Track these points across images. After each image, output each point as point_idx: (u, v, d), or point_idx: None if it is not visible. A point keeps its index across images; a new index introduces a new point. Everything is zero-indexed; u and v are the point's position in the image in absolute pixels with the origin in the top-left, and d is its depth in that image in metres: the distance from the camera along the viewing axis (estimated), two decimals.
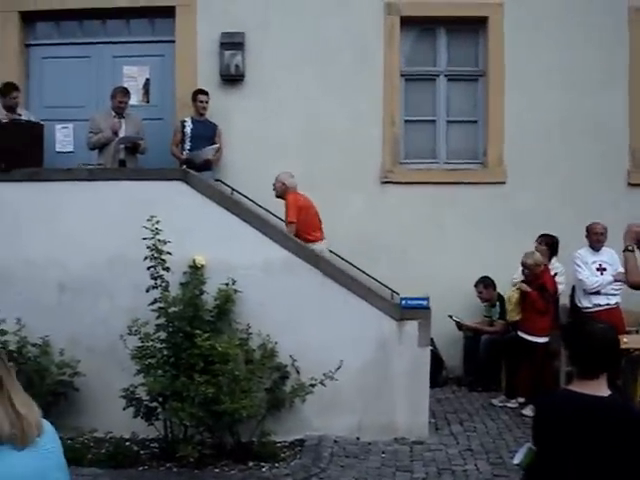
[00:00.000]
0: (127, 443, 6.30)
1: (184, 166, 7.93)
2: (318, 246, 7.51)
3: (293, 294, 6.55)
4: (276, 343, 6.44)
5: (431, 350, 6.86)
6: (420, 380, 6.62)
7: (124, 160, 8.01)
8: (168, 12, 8.94)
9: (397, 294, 7.14)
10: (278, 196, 7.86)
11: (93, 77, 9.09)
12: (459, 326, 8.53)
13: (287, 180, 7.84)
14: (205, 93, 8.54)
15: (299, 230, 7.50)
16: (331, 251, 7.73)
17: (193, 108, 8.53)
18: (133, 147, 8.16)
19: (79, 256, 6.65)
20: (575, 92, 8.78)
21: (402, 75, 9.02)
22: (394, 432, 6.59)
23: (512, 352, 7.72)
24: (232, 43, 8.71)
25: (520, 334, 7.61)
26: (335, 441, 6.47)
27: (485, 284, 8.44)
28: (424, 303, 6.66)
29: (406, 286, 7.21)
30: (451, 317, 8.39)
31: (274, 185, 7.88)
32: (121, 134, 8.13)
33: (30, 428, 2.26)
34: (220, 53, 8.75)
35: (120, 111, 8.26)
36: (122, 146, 7.99)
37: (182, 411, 5.81)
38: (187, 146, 8.40)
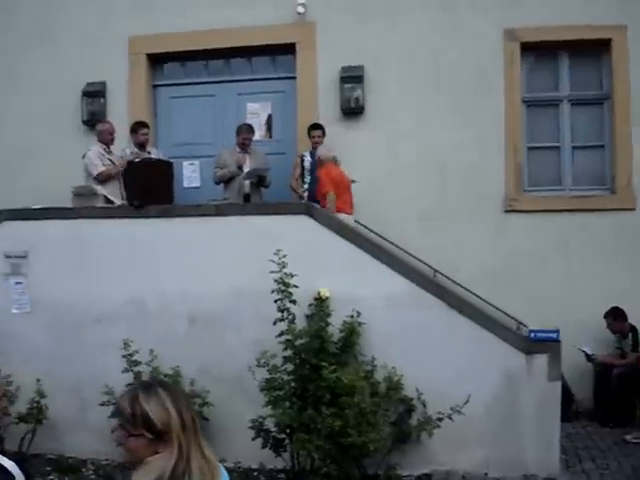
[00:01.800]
0: (255, 473, 6.41)
1: (303, 199, 8.11)
2: (344, 216, 7.55)
3: (418, 326, 6.49)
4: (401, 376, 6.39)
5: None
6: (550, 415, 6.40)
7: (249, 194, 8.23)
8: (289, 49, 9.18)
9: (524, 326, 6.97)
10: None
11: (218, 114, 9.42)
12: (589, 358, 8.23)
13: (321, 154, 8.06)
14: (317, 127, 8.64)
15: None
16: (452, 280, 7.62)
17: (310, 143, 8.68)
18: (258, 181, 8.38)
19: (208, 289, 6.85)
20: None
21: (524, 102, 8.87)
22: (524, 468, 6.38)
23: None
24: (352, 77, 8.83)
25: None
26: (463, 476, 6.36)
27: (615, 315, 8.11)
28: (554, 336, 6.45)
29: (533, 317, 7.04)
30: (580, 349, 8.10)
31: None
32: (246, 169, 8.37)
33: (216, 472, 2.31)
34: (340, 87, 8.88)
35: (245, 147, 8.52)
36: (248, 181, 8.22)
37: (309, 443, 5.85)
38: (307, 179, 8.53)
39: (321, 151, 8.12)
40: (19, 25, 9.72)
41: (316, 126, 8.67)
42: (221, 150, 8.68)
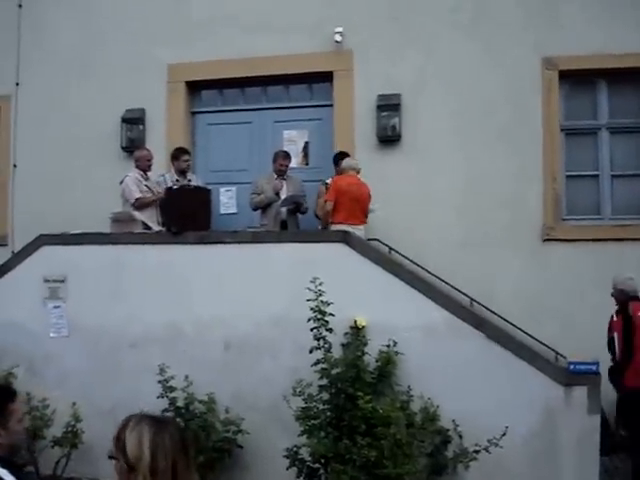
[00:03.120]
0: None
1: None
2: (345, 227, 7.49)
3: (455, 357, 6.43)
4: (438, 407, 6.33)
5: None
6: (589, 449, 6.28)
7: (286, 220, 8.26)
8: (326, 77, 9.23)
9: (563, 357, 6.86)
10: None
11: (255, 142, 9.48)
12: None
13: (344, 162, 8.09)
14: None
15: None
16: (489, 309, 7.53)
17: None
18: (295, 208, 8.40)
19: (244, 315, 6.88)
20: None
21: (562, 130, 8.80)
22: None
23: None
24: (388, 105, 8.82)
25: None
26: None
27: None
28: (594, 368, 6.35)
29: (571, 348, 6.91)
30: None
31: None
32: (282, 195, 8.41)
33: None
34: (377, 115, 8.89)
35: (281, 174, 8.56)
36: (284, 208, 8.25)
37: (344, 474, 5.78)
38: None
39: (344, 161, 8.16)
40: (60, 52, 9.91)
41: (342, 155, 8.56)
42: (258, 177, 8.73)
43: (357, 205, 7.84)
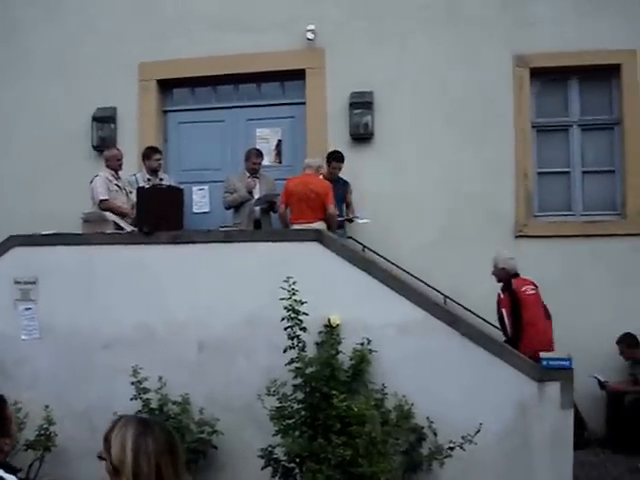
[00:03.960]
0: None
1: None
2: (294, 226, 7.69)
3: (429, 354, 6.42)
4: (412, 404, 6.33)
5: None
6: (563, 444, 6.29)
7: (259, 219, 8.23)
8: (298, 75, 9.22)
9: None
10: None
11: (227, 140, 9.45)
12: (602, 385, 8.15)
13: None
14: (336, 159, 8.49)
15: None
16: (462, 306, 7.56)
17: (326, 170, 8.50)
18: (269, 207, 8.37)
19: (218, 315, 6.80)
20: None
21: (533, 127, 8.87)
22: None
23: None
24: (361, 102, 8.84)
25: None
26: None
27: (628, 341, 8.04)
28: (567, 364, 6.38)
29: None
30: (593, 377, 8.02)
31: None
32: (255, 194, 8.38)
33: None
34: (349, 112, 8.90)
35: (254, 172, 8.53)
36: (258, 207, 8.22)
37: (320, 473, 5.75)
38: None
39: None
40: (30, 51, 9.80)
41: (335, 157, 8.51)
42: (230, 175, 8.70)
43: (304, 204, 7.84)
